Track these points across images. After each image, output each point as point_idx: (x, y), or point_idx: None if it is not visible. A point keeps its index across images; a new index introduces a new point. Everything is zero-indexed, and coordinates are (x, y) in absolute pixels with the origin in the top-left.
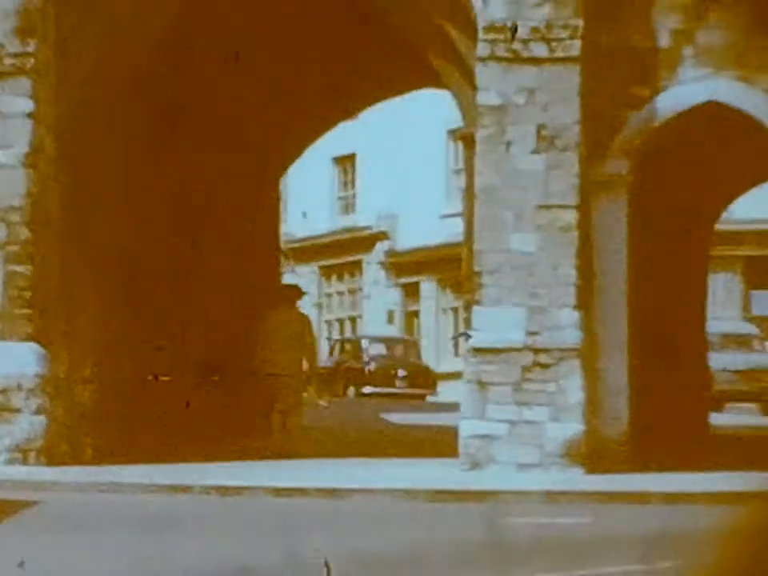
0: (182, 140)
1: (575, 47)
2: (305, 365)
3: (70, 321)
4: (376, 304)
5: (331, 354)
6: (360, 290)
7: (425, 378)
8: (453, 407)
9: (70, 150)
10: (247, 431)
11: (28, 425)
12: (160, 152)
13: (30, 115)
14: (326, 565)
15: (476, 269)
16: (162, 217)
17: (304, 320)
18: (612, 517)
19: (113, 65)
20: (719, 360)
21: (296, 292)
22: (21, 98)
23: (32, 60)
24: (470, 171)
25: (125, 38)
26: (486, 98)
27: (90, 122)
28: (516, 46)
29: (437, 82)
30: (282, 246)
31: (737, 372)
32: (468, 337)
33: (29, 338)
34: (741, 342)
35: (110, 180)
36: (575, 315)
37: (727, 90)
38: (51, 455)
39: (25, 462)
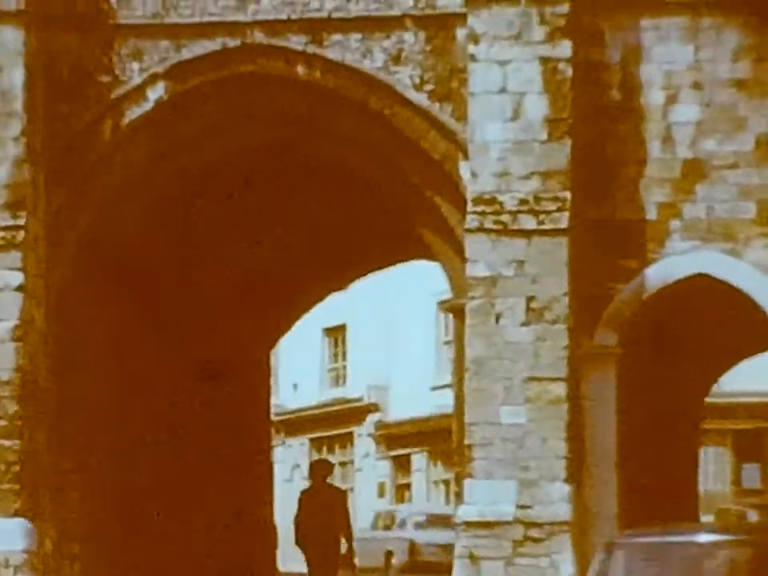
0: (172, 312)
1: (563, 220)
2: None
3: (58, 495)
4: (367, 476)
5: None
6: (351, 462)
7: None
8: None
9: (59, 322)
10: None
11: None
12: (149, 325)
13: (19, 288)
14: None
15: (466, 441)
16: (150, 388)
17: (338, 493)
18: None
19: (103, 236)
20: None
21: (327, 466)
22: (10, 271)
23: (22, 233)
24: (459, 343)
25: (115, 211)
26: (475, 269)
27: (79, 293)
28: (505, 218)
29: (426, 253)
30: (273, 418)
31: None
32: None
33: (16, 513)
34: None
35: (99, 352)
36: (566, 488)
37: (715, 262)
38: None
39: None
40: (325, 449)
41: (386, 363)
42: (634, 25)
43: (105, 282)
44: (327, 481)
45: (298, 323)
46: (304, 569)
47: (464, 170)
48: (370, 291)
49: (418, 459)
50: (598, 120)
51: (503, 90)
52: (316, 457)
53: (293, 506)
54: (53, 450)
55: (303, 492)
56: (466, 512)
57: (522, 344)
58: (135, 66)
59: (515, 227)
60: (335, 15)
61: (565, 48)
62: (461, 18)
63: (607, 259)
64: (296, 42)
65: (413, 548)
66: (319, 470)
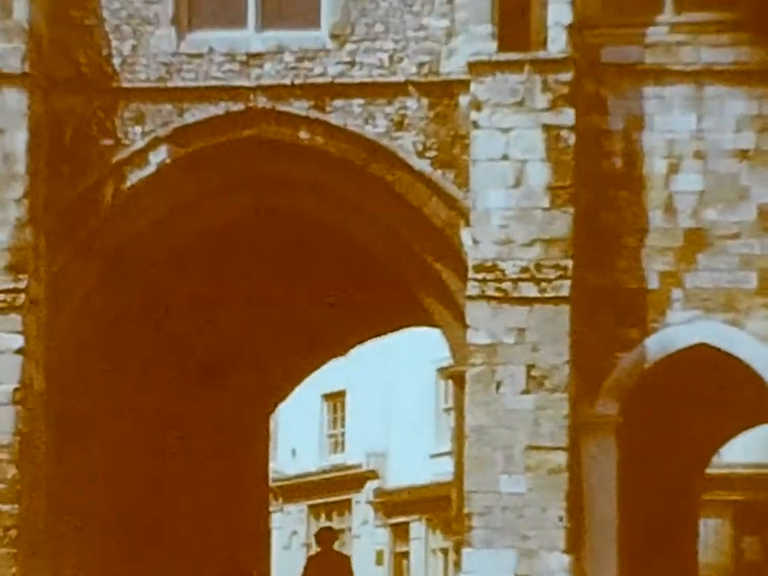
0: (170, 377)
1: (565, 288)
2: None
3: (56, 559)
4: (365, 544)
5: None
6: (349, 529)
7: None
8: None
9: (59, 385)
10: None
11: None
12: (148, 389)
13: (19, 351)
14: None
15: (466, 510)
16: (148, 453)
17: (344, 559)
18: None
19: (103, 299)
20: None
21: (333, 534)
22: (11, 334)
23: (23, 296)
24: (459, 410)
25: (116, 274)
26: (476, 336)
27: (79, 356)
28: (506, 285)
29: (427, 319)
30: (271, 483)
31: None
32: None
33: None
34: None
35: (99, 415)
36: (565, 559)
37: (717, 332)
38: None
39: None
40: (323, 515)
41: (386, 430)
42: (636, 93)
43: (105, 346)
44: (333, 547)
45: (298, 389)
46: None
47: (465, 236)
48: (370, 357)
49: (417, 527)
50: (601, 188)
51: (505, 157)
52: (314, 524)
53: (290, 574)
54: (51, 513)
55: (310, 558)
56: None
57: (522, 412)
58: (138, 129)
59: (516, 295)
60: (338, 81)
61: (567, 115)
62: (464, 84)
63: (608, 328)
64: (299, 107)
65: None
66: (327, 537)
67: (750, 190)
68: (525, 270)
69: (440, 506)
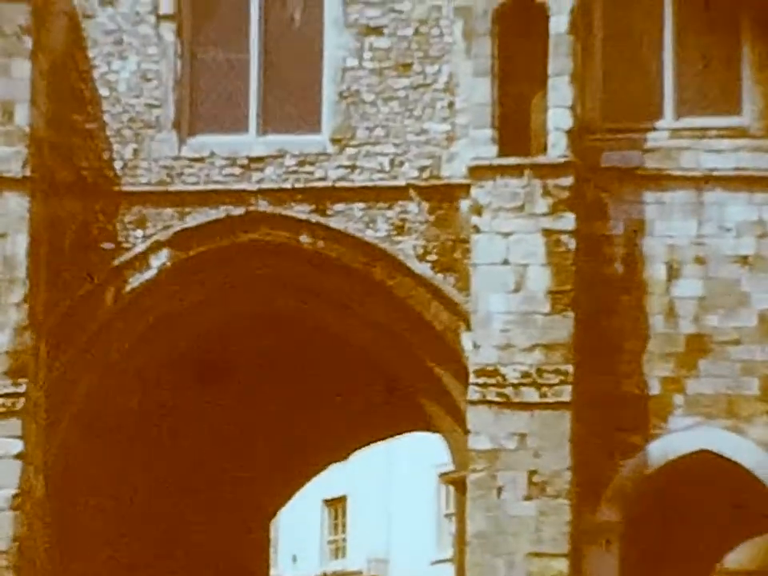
0: (172, 481)
1: (566, 393)
2: None
3: None
4: None
5: None
6: None
7: None
8: None
9: (58, 489)
10: None
11: None
12: (149, 493)
13: (19, 456)
14: None
15: None
16: (149, 558)
17: None
18: None
19: (103, 403)
20: None
21: None
22: (10, 439)
23: (22, 400)
24: (460, 516)
25: (116, 377)
26: (477, 442)
27: (79, 460)
28: (507, 390)
29: (427, 424)
30: None
31: None
32: None
33: None
34: None
35: (98, 519)
36: None
37: (719, 439)
38: None
39: None
40: None
41: (387, 536)
42: (637, 198)
43: (105, 449)
44: None
45: (298, 494)
46: None
47: (466, 341)
48: (371, 462)
49: None
50: (601, 293)
51: (506, 262)
52: None
53: None
54: None
55: None
56: None
57: (523, 518)
58: (139, 233)
59: (518, 400)
60: (339, 185)
61: (568, 220)
62: (464, 188)
63: (610, 434)
64: (300, 210)
65: None
66: None
67: (750, 296)
68: (526, 374)
69: None
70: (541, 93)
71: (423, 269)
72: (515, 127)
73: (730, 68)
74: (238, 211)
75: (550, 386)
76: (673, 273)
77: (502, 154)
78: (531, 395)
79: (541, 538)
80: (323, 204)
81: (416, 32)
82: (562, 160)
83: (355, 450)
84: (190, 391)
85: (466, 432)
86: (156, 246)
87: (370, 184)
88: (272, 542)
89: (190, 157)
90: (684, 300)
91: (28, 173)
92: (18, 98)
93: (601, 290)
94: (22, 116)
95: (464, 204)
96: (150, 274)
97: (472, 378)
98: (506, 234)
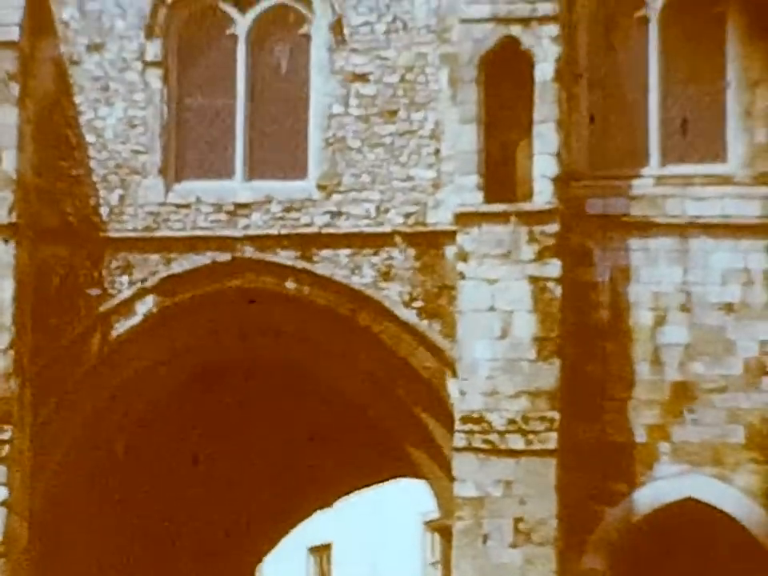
0: (158, 526)
1: (552, 440)
2: None
3: None
4: None
5: None
6: None
7: None
8: None
9: (43, 536)
10: None
11: None
12: (135, 538)
13: (3, 503)
14: None
15: None
16: None
17: None
18: None
19: (89, 449)
20: None
21: None
22: None
23: (7, 447)
24: (446, 563)
25: (102, 424)
26: (463, 489)
27: (64, 506)
28: (493, 437)
29: (413, 471)
30: None
31: None
32: None
33: None
34: None
35: (82, 567)
36: None
37: (704, 487)
38: None
39: None
40: None
41: None
42: (622, 245)
43: (91, 496)
44: None
45: (283, 541)
46: None
47: (452, 387)
48: (356, 509)
49: None
50: (587, 340)
51: (492, 308)
52: None
53: None
54: None
55: None
56: None
57: (509, 566)
58: (125, 278)
59: (504, 447)
60: (325, 231)
61: (554, 267)
62: (450, 235)
63: (596, 481)
64: (286, 256)
65: None
66: None
67: (736, 343)
68: (512, 421)
69: None
70: (526, 140)
71: (409, 315)
72: (501, 174)
73: (715, 116)
74: (224, 257)
75: (536, 433)
76: (658, 320)
77: (488, 200)
78: (517, 442)
79: None
80: (309, 250)
81: (402, 79)
82: (548, 207)
83: (340, 496)
84: (175, 437)
85: (452, 479)
86: (142, 293)
87: (355, 230)
88: None
89: (176, 203)
90: (670, 347)
91: (14, 219)
92: (5, 144)
93: (587, 337)
94: (9, 162)
95: (450, 251)
96: (135, 320)
97: (458, 425)
98: (492, 281)
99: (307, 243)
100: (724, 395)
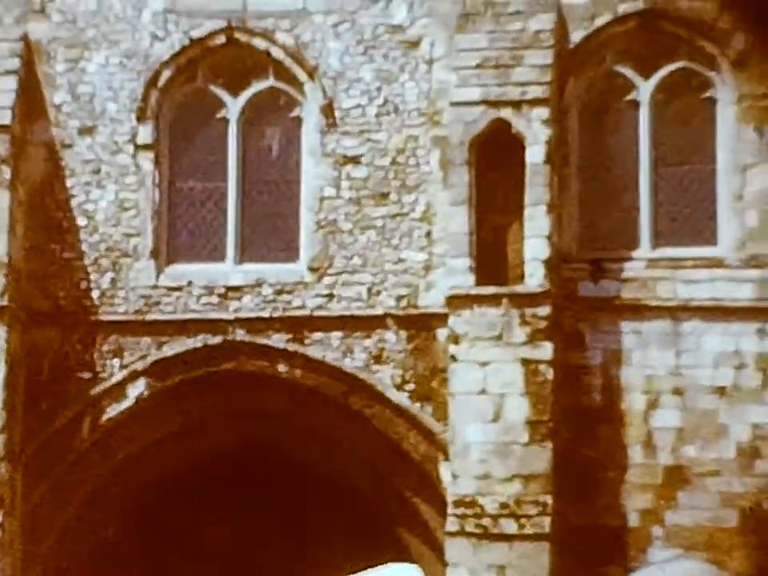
0: None
1: (545, 524)
2: None
3: None
4: None
5: None
6: None
7: None
8: None
9: None
10: None
11: None
12: None
13: None
14: None
15: None
16: None
17: None
18: None
19: (81, 534)
20: None
21: None
22: None
23: None
24: None
25: (93, 509)
26: (456, 574)
27: None
28: (485, 521)
29: (405, 556)
30: None
31: None
32: None
33: None
34: None
35: None
36: None
37: (698, 571)
38: None
39: None
40: None
41: None
42: (614, 328)
43: None
44: None
45: None
46: None
47: (445, 471)
48: None
49: None
50: (580, 423)
51: (484, 391)
52: None
53: None
54: None
55: None
56: None
57: None
58: (116, 362)
59: (496, 531)
60: (317, 313)
61: (546, 350)
62: (442, 318)
63: (589, 566)
64: (277, 339)
65: None
66: None
67: (728, 427)
68: (504, 506)
69: None
70: (518, 222)
71: (401, 398)
72: (492, 256)
73: (706, 198)
74: (216, 340)
75: (529, 517)
76: (651, 403)
77: (480, 283)
78: (510, 527)
79: None
80: (301, 333)
81: (393, 161)
82: (540, 289)
83: None
84: (167, 523)
85: (445, 564)
86: (133, 376)
87: (347, 313)
88: None
89: (167, 286)
90: (662, 431)
91: (6, 302)
92: None
93: (579, 421)
94: (0, 245)
95: (441, 333)
96: (127, 404)
97: (450, 509)
98: (484, 364)
99: (299, 326)
100: (717, 479)
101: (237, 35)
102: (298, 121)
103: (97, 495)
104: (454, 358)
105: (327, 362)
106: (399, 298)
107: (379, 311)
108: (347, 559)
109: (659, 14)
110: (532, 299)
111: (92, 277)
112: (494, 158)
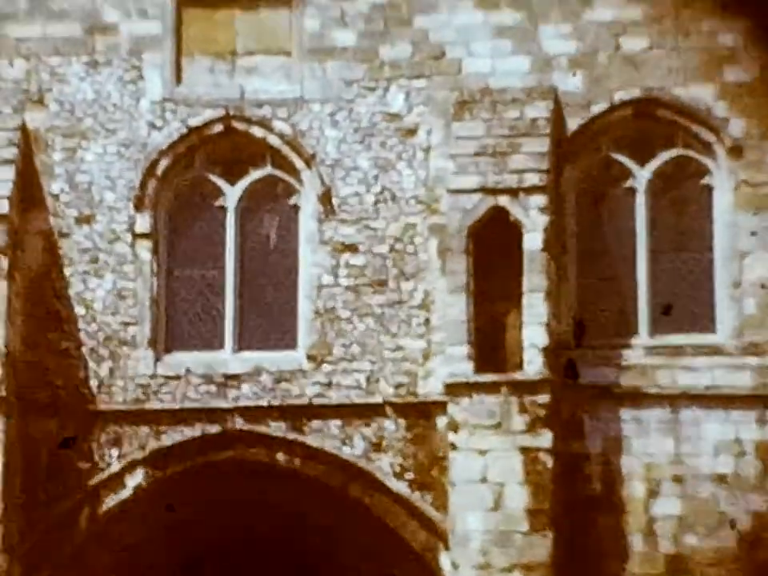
0: None
1: None
2: None
3: None
4: None
5: None
6: None
7: None
8: None
9: None
10: None
11: None
12: None
13: None
14: None
15: None
16: None
17: None
18: None
19: None
20: None
21: None
22: None
23: None
24: None
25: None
26: None
27: None
28: None
29: None
30: None
31: None
32: None
33: None
34: None
35: None
36: None
37: None
38: None
39: None
40: None
41: None
42: (613, 416)
43: None
44: None
45: None
46: None
47: (444, 560)
48: None
49: None
50: (580, 512)
51: (484, 480)
52: None
53: None
54: None
55: None
56: None
57: None
58: (114, 452)
59: None
60: (316, 402)
61: (545, 438)
62: (441, 405)
63: None
64: (276, 428)
65: None
66: None
67: (729, 515)
68: None
69: None
70: (516, 309)
71: (400, 487)
72: (491, 344)
73: (704, 286)
74: (214, 429)
75: None
76: (651, 492)
77: (479, 370)
78: None
79: None
80: (300, 421)
81: (391, 249)
82: (538, 377)
83: None
84: None
85: None
86: (132, 466)
87: (346, 401)
88: None
89: (165, 374)
90: (663, 519)
91: (3, 393)
92: None
93: (579, 509)
94: None
95: (441, 421)
96: (125, 494)
97: None
98: (483, 452)
99: (298, 414)
100: (717, 569)
101: (234, 123)
102: (296, 209)
103: None
104: (453, 446)
105: (326, 450)
106: (398, 386)
107: (378, 399)
108: None
109: (655, 101)
110: (531, 387)
111: (90, 366)
112: (491, 245)
